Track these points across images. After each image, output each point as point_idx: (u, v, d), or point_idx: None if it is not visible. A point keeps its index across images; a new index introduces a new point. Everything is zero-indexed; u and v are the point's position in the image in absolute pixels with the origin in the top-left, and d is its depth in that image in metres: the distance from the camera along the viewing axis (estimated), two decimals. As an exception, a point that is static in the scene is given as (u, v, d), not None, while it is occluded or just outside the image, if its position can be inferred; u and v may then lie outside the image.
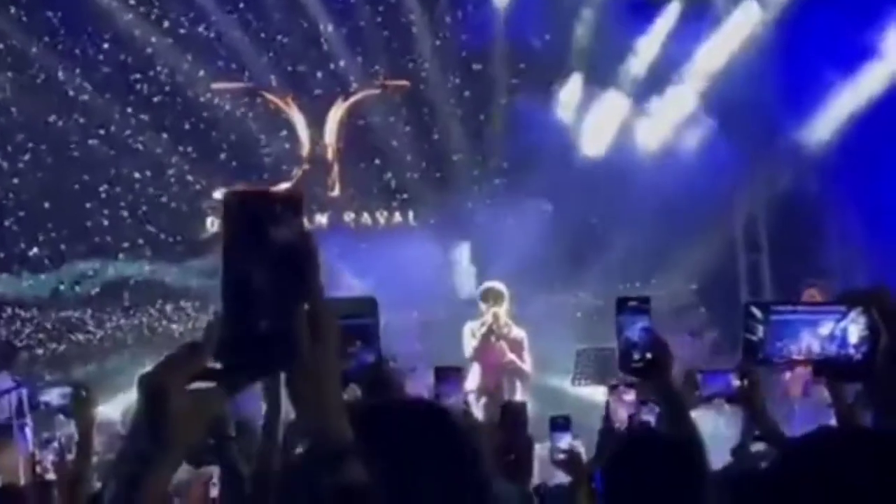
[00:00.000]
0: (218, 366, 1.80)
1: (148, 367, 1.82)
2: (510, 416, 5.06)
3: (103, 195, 15.94)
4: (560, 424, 5.60)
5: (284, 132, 16.72)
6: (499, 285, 12.91)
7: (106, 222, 15.92)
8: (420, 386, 7.34)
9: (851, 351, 2.25)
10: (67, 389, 5.76)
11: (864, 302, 2.24)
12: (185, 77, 16.23)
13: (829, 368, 2.31)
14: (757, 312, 2.28)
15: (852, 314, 2.24)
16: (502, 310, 12.58)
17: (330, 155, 16.90)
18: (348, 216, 16.75)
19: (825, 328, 2.26)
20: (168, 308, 15.72)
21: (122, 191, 16.05)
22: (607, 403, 5.93)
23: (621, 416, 5.87)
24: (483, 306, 12.61)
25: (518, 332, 12.55)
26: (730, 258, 16.50)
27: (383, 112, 16.84)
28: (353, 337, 2.83)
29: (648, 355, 3.77)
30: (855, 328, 2.24)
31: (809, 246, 15.91)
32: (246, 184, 15.38)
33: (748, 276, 16.64)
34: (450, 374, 5.14)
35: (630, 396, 5.84)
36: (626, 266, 15.23)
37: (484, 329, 12.41)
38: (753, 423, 4.90)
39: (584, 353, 11.93)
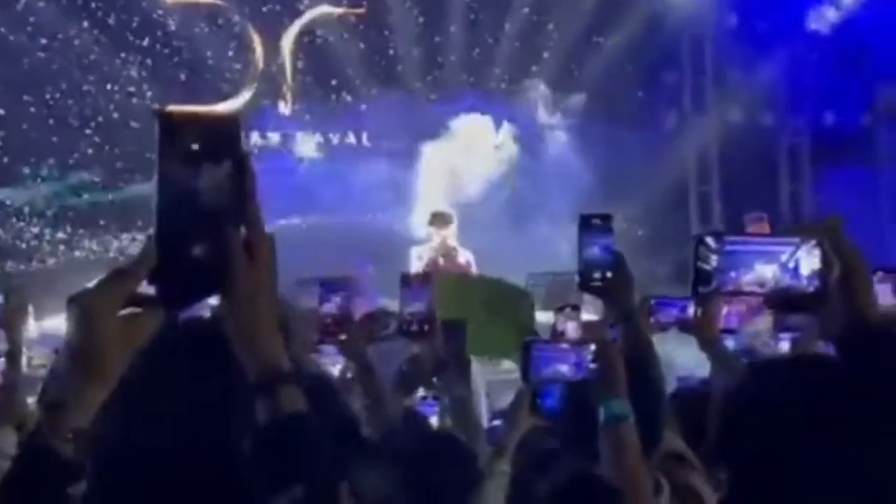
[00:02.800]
0: (152, 290, 1.76)
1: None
2: (448, 333, 5.02)
3: (54, 108, 15.74)
4: None
5: (238, 49, 16.57)
6: (446, 209, 12.98)
7: (55, 137, 15.71)
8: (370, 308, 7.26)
9: (804, 282, 2.27)
10: None
11: (817, 234, 2.27)
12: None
13: (780, 299, 2.33)
14: (711, 242, 2.29)
15: (805, 246, 2.26)
16: (449, 233, 12.67)
17: (284, 73, 16.79)
18: (301, 135, 16.66)
19: (777, 259, 2.28)
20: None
21: (75, 104, 15.85)
22: (554, 326, 5.91)
23: (569, 338, 5.84)
24: (430, 230, 12.66)
25: (465, 255, 12.60)
26: (681, 188, 16.60)
27: (338, 30, 16.74)
28: None
29: (609, 274, 3.76)
30: (807, 260, 2.26)
31: (760, 180, 16.04)
32: (200, 101, 15.30)
33: (698, 208, 16.74)
34: (416, 281, 5.11)
35: (577, 319, 5.83)
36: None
37: (431, 253, 12.47)
38: (703, 345, 4.94)
39: (534, 277, 11.96)
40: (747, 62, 16.58)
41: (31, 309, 7.66)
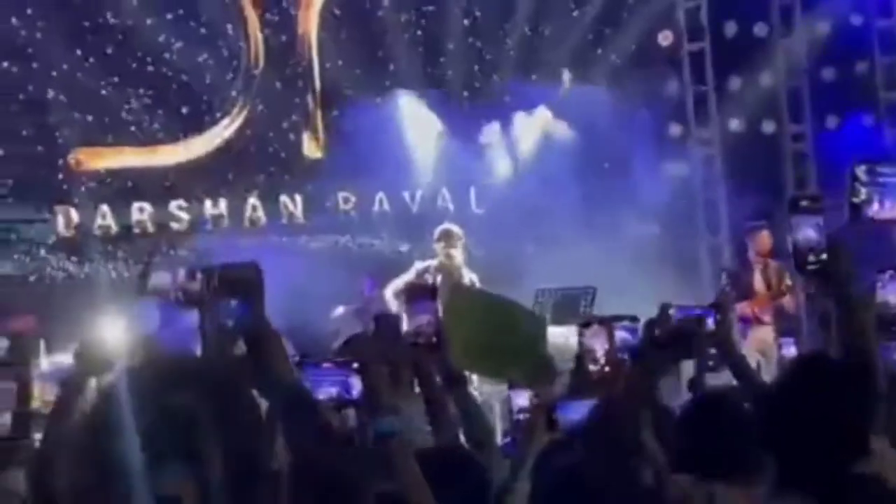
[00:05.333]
0: None
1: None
2: (383, 327, 4.77)
3: (60, 141, 15.56)
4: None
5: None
6: (455, 227, 13.02)
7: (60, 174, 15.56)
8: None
9: None
10: (4, 342, 5.36)
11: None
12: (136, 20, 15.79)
13: None
14: (861, 174, 2.26)
15: None
16: (457, 251, 12.68)
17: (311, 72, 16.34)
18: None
19: None
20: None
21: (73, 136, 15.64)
22: (580, 343, 5.78)
23: (596, 354, 5.71)
24: (438, 247, 12.78)
25: (469, 276, 12.63)
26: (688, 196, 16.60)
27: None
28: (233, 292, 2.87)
29: (823, 256, 3.70)
30: None
31: (765, 187, 16.01)
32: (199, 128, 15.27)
33: (705, 213, 16.72)
34: (421, 292, 5.02)
35: (603, 334, 5.71)
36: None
37: (434, 269, 12.56)
38: (724, 356, 4.89)
39: (543, 293, 11.93)
40: (747, 70, 16.63)
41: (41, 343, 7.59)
